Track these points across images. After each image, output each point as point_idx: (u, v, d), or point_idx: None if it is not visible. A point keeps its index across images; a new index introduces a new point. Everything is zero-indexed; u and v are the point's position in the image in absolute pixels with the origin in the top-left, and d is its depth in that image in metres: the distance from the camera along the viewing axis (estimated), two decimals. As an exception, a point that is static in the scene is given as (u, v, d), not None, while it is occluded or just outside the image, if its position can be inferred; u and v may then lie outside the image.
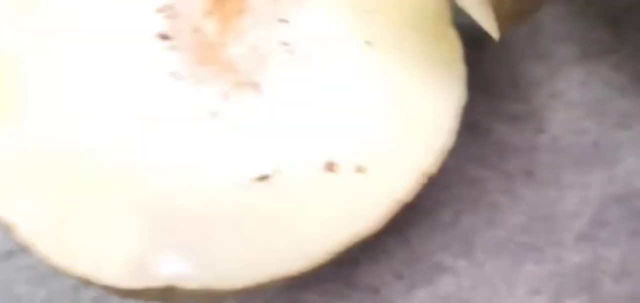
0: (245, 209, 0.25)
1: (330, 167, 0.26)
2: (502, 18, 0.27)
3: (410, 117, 0.27)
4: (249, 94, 0.28)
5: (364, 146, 0.27)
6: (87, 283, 0.23)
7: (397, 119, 0.27)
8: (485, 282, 0.29)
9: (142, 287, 0.23)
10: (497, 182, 0.31)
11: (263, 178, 0.26)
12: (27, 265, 0.30)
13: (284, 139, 0.27)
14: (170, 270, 0.23)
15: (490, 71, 0.34)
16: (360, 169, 0.26)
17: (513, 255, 0.30)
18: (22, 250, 0.30)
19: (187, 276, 0.23)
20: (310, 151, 0.27)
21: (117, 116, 0.27)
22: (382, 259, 0.30)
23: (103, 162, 0.25)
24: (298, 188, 0.26)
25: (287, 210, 0.25)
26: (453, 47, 0.29)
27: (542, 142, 0.32)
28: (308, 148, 0.27)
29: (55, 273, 0.30)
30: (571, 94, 0.33)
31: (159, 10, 0.29)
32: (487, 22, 0.28)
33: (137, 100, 0.27)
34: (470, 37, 0.35)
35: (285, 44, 0.29)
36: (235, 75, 0.28)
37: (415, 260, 0.30)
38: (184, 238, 0.24)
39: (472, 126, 0.32)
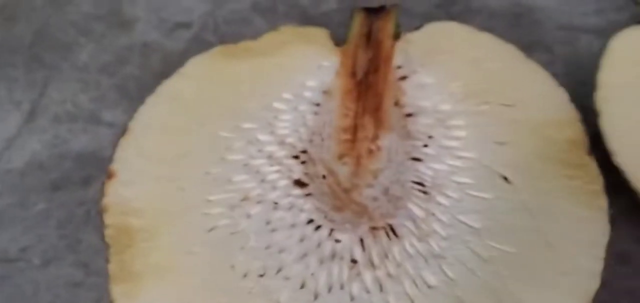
0: None
1: None
2: None
3: (554, 259, 0.26)
4: (385, 240, 0.27)
5: (508, 291, 0.25)
6: None
7: (541, 262, 0.26)
8: None
9: None
10: (656, 320, 0.28)
11: None
12: None
13: (425, 288, 0.26)
14: None
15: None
16: None
17: None
18: None
19: None
20: (452, 299, 0.25)
21: (260, 271, 0.26)
22: None
23: None
24: None
25: None
26: (592, 177, 0.27)
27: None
28: (450, 294, 0.25)
29: None
30: None
31: (294, 157, 0.29)
32: None
33: (278, 253, 0.27)
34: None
35: (418, 184, 0.28)
36: (370, 220, 0.27)
37: None
38: None
39: (622, 255, 0.30)
